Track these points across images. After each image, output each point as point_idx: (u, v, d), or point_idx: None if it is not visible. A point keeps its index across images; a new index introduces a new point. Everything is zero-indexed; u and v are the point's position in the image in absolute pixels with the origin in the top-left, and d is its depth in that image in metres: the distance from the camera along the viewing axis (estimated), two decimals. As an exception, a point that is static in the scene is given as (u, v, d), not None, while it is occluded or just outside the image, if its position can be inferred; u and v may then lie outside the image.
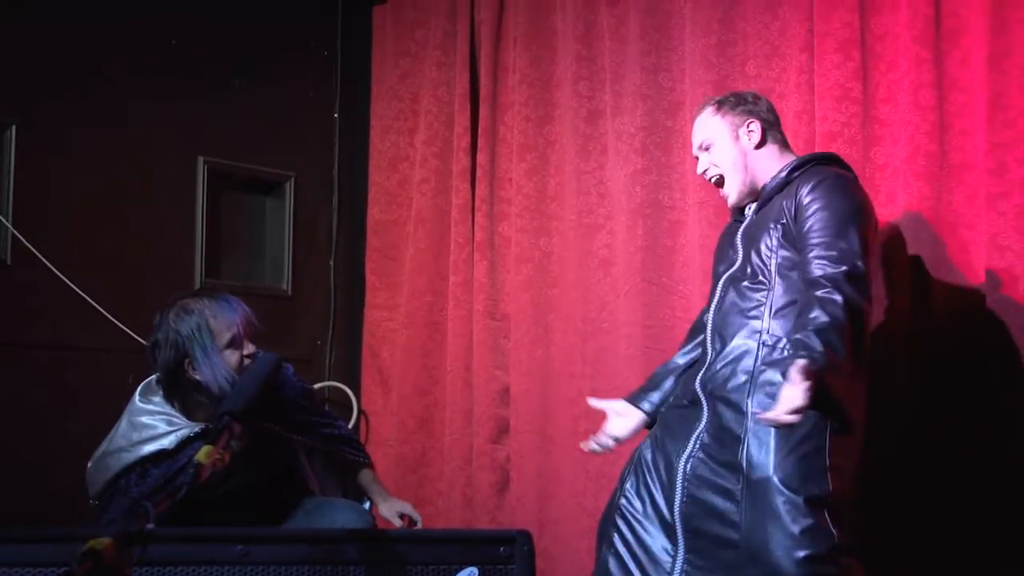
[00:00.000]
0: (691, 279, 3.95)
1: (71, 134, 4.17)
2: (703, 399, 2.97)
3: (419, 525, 3.34)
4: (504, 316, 4.44)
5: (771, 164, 3.08)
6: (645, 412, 3.23)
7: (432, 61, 4.71)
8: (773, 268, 2.94)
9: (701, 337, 3.13)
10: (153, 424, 3.08)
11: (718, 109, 3.14)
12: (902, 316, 3.40)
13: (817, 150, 3.46)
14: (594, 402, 3.33)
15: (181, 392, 3.08)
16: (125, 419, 3.10)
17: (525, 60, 4.44)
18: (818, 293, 2.74)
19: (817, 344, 2.64)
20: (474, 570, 2.08)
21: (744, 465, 2.82)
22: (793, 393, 2.59)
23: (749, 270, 3.00)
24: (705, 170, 3.16)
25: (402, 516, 3.35)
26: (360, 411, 4.76)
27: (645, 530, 3.00)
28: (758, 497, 2.78)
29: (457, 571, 2.07)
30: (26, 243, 3.98)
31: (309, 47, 4.94)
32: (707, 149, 3.14)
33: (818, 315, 2.70)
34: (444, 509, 4.48)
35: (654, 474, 3.02)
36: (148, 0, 4.39)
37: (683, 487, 2.93)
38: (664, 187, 4.07)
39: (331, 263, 4.94)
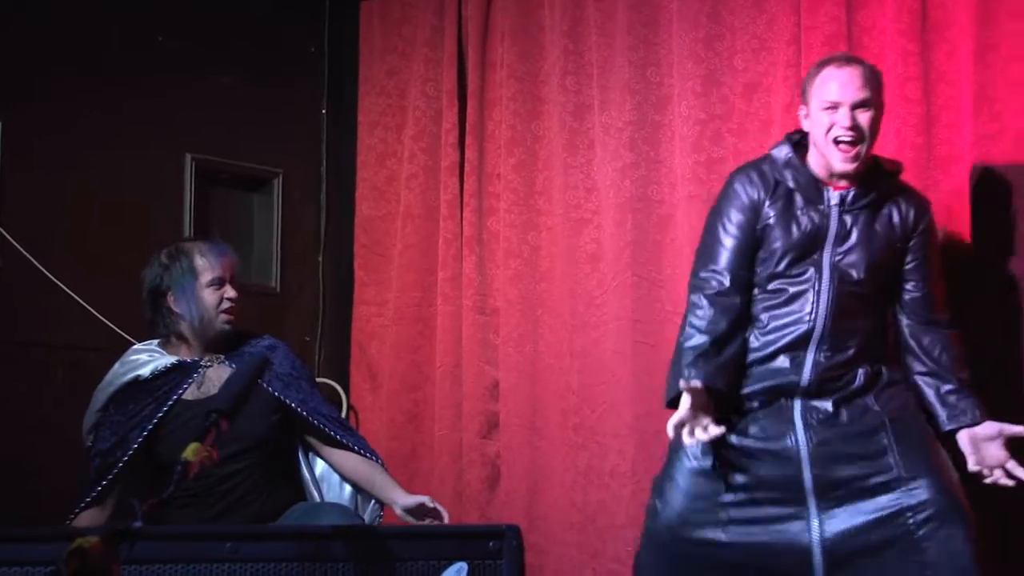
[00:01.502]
0: (680, 274, 3.94)
1: (58, 132, 4.15)
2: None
3: (446, 518, 3.33)
4: (493, 311, 4.44)
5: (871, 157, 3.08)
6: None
7: (419, 57, 4.70)
8: (878, 287, 3.06)
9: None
10: (135, 358, 3.33)
11: (876, 74, 3.09)
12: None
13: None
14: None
15: (163, 326, 3.32)
16: (118, 362, 3.35)
17: (512, 55, 4.43)
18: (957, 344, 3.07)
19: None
20: (463, 565, 2.09)
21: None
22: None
23: (862, 275, 3.02)
24: (854, 125, 3.00)
25: (423, 514, 3.32)
26: (349, 407, 4.75)
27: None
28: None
29: (446, 566, 2.08)
30: (13, 241, 3.97)
31: (296, 44, 4.92)
32: (866, 108, 3.02)
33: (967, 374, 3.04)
34: (434, 505, 4.48)
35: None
36: (134, -1, 4.39)
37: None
38: (652, 181, 4.07)
39: (319, 259, 4.93)
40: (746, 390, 3.07)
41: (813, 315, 3.01)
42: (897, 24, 3.52)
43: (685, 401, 2.91)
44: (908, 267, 3.09)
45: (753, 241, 3.10)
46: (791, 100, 3.69)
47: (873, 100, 3.04)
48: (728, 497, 3.01)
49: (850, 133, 3.00)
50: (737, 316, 3.07)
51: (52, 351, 4.05)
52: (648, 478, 3.93)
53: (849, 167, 3.02)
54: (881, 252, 3.04)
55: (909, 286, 3.09)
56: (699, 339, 3.03)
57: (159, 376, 3.28)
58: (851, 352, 3.02)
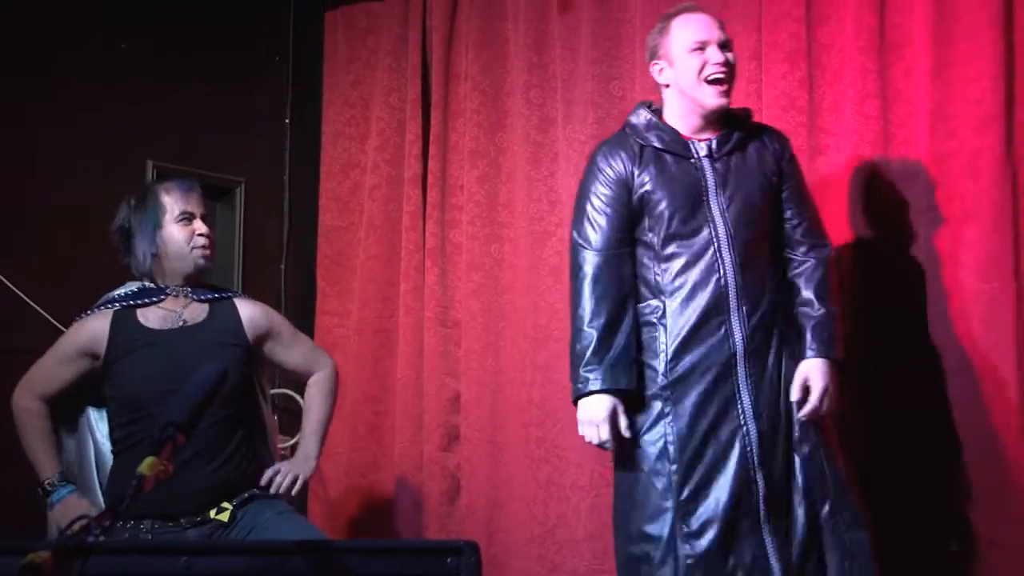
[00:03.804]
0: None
1: (19, 136, 4.12)
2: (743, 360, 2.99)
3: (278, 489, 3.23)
4: (455, 323, 4.44)
5: None
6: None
7: (384, 67, 4.70)
8: (768, 221, 3.07)
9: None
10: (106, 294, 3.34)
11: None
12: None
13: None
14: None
15: (135, 268, 3.28)
16: None
17: (477, 67, 4.44)
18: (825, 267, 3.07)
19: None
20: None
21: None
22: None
23: (752, 220, 3.04)
24: (723, 63, 3.04)
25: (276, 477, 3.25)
26: (310, 418, 4.73)
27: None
28: None
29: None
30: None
31: (260, 52, 4.91)
32: (728, 47, 3.08)
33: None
34: (394, 517, 4.47)
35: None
36: (98, 3, 4.35)
37: None
38: (614, 195, 4.08)
39: (282, 269, 4.91)
40: (677, 366, 3.00)
41: (721, 270, 3.00)
42: (856, 42, 3.56)
43: (602, 409, 2.98)
44: (784, 197, 3.12)
45: (629, 212, 3.08)
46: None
47: (730, 40, 3.11)
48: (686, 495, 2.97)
49: (723, 69, 3.04)
50: (617, 296, 3.06)
51: (9, 357, 4.01)
52: (608, 491, 3.95)
53: (723, 101, 3.04)
54: (761, 190, 3.07)
55: (788, 214, 3.12)
56: (586, 339, 3.04)
57: (125, 296, 3.28)
58: (766, 308, 3.03)
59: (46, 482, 3.15)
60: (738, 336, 2.97)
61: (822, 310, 3.02)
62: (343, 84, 4.85)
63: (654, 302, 3.05)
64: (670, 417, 2.99)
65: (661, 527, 2.97)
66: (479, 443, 4.31)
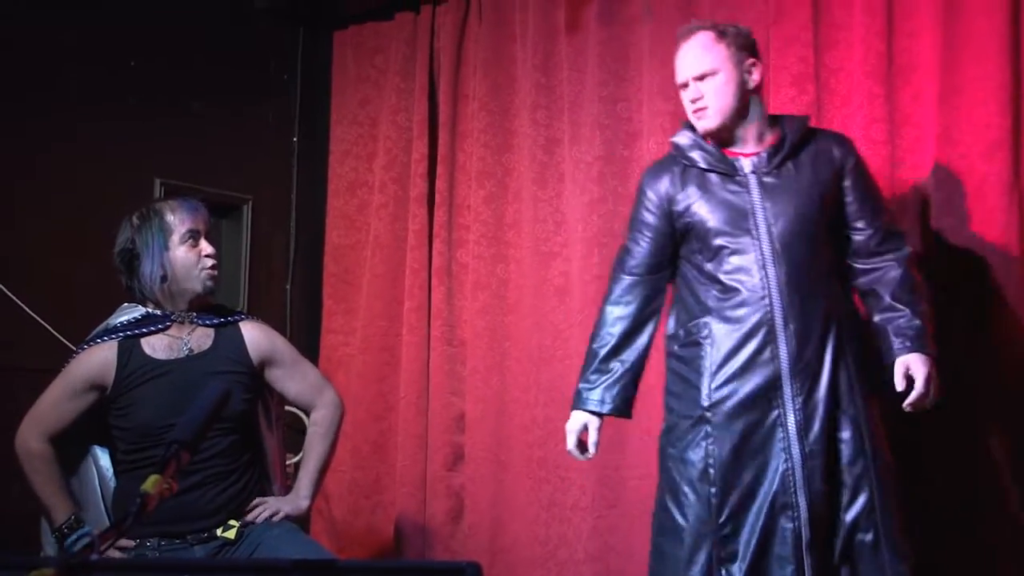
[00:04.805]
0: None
1: (27, 154, 4.13)
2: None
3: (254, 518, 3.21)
4: (461, 342, 4.45)
5: (762, 112, 3.06)
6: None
7: (392, 87, 4.72)
8: (824, 232, 2.99)
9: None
10: (109, 320, 3.23)
11: (720, 38, 3.02)
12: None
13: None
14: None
15: (139, 291, 3.18)
16: None
17: (484, 88, 4.46)
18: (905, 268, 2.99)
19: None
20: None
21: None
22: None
23: (804, 237, 2.95)
24: (696, 99, 3.01)
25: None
26: (314, 436, 4.72)
27: None
28: None
29: (406, 602, 2.06)
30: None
31: (269, 71, 4.93)
32: (703, 79, 3.00)
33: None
34: (398, 536, 4.46)
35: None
36: (108, 21, 4.37)
37: None
38: (620, 216, 4.07)
39: (288, 287, 4.92)
40: (721, 387, 2.97)
41: (767, 288, 2.94)
42: (864, 66, 3.57)
43: (575, 422, 3.12)
44: (850, 206, 3.02)
45: (666, 238, 3.08)
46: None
47: (712, 67, 3.00)
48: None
49: (694, 105, 3.03)
50: (632, 321, 3.10)
51: (13, 374, 4.01)
52: (609, 513, 3.94)
53: (708, 126, 3.02)
54: (815, 202, 2.97)
55: (859, 224, 3.02)
56: (589, 356, 3.14)
57: (129, 325, 3.17)
58: (817, 324, 2.93)
59: (62, 527, 3.07)
60: (784, 355, 2.91)
61: (906, 312, 2.93)
62: (351, 103, 4.86)
63: (701, 320, 3.01)
64: (712, 439, 2.95)
65: (698, 549, 2.94)
66: (483, 463, 4.31)
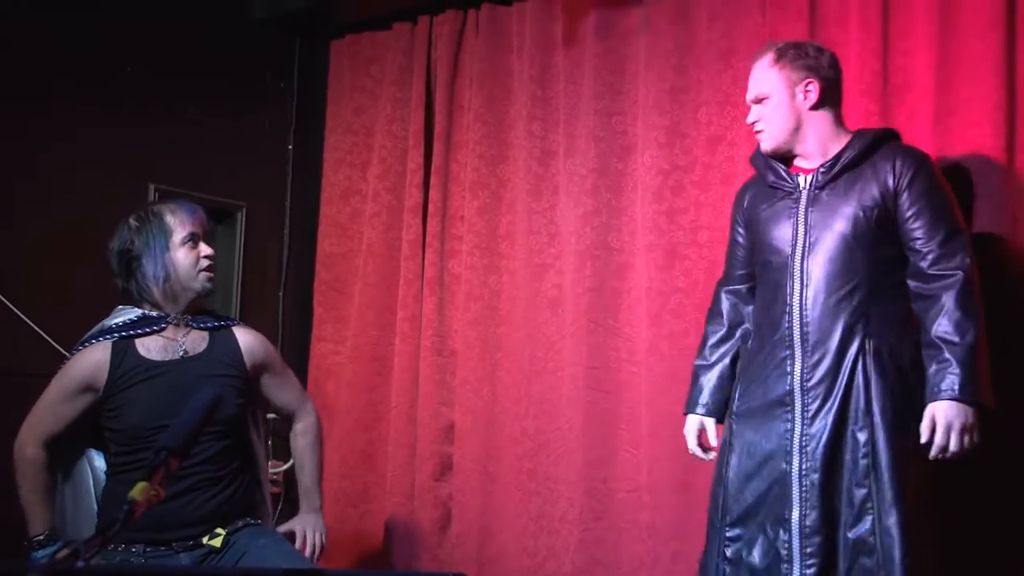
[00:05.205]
0: (637, 322, 3.98)
1: (22, 158, 4.13)
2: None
3: (312, 551, 3.32)
4: (451, 353, 4.44)
5: (824, 129, 3.07)
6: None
7: (388, 97, 4.72)
8: (862, 251, 2.95)
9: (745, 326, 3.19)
10: (104, 321, 3.24)
11: (777, 60, 3.08)
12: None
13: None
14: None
15: (136, 292, 3.18)
16: None
17: (480, 99, 4.46)
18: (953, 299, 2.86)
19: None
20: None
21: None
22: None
23: (835, 252, 2.96)
24: (755, 121, 3.11)
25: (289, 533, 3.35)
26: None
27: None
28: None
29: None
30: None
31: (266, 78, 4.94)
32: (760, 102, 3.09)
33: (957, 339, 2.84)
34: (385, 546, 4.45)
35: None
36: (104, 26, 4.37)
37: None
38: (613, 230, 4.10)
39: (280, 294, 4.92)
40: (744, 397, 3.08)
41: (789, 303, 2.99)
42: (859, 84, 3.57)
43: (689, 426, 3.23)
44: (905, 223, 2.95)
45: (746, 251, 3.22)
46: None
47: (764, 91, 3.09)
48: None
49: (754, 127, 3.13)
50: (720, 329, 3.23)
51: (7, 379, 4.00)
52: (596, 525, 3.94)
53: (765, 148, 3.10)
54: (854, 220, 2.95)
55: (916, 244, 2.94)
56: (693, 368, 3.25)
57: (124, 326, 3.18)
58: (837, 342, 2.93)
59: (35, 538, 3.09)
60: (798, 371, 2.95)
61: (943, 352, 2.82)
62: (346, 112, 4.87)
63: (750, 328, 3.18)
64: (732, 446, 3.06)
65: (710, 546, 3.08)
66: (471, 473, 4.30)
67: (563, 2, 4.29)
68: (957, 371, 2.79)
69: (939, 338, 2.83)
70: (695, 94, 3.95)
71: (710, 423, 3.19)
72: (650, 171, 4.00)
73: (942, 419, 2.80)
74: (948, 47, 3.42)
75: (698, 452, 3.23)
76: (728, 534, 3.02)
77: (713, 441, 3.19)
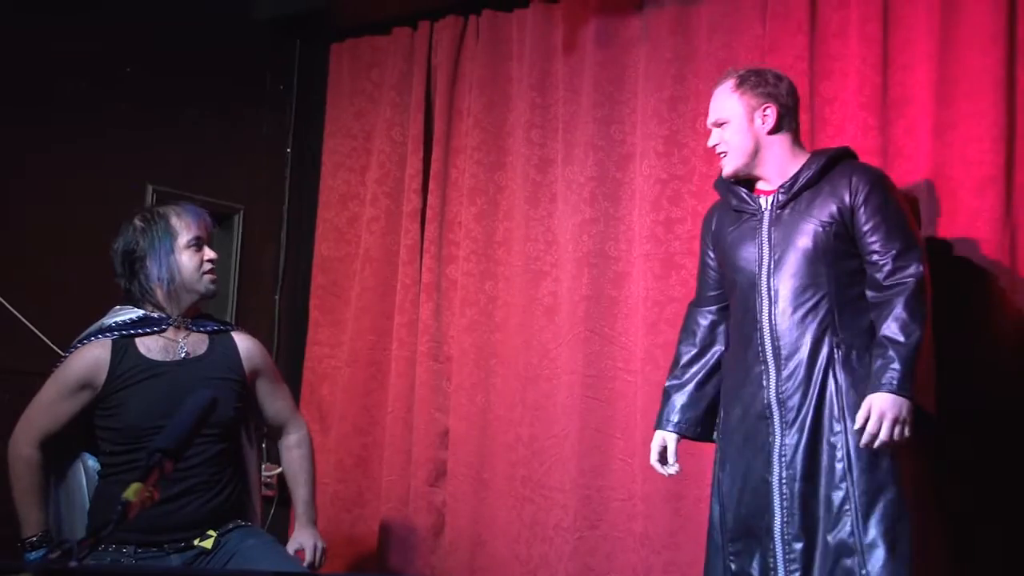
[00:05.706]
0: (633, 330, 3.98)
1: (20, 158, 4.13)
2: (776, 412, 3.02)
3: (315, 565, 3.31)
4: (447, 359, 4.44)
5: (782, 152, 3.14)
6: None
7: (387, 101, 4.72)
8: (824, 266, 3.03)
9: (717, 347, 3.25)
10: (103, 320, 3.23)
11: (738, 86, 3.17)
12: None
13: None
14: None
15: (139, 294, 3.18)
16: None
17: (479, 105, 4.46)
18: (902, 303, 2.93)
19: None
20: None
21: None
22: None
23: (798, 268, 3.04)
24: (715, 144, 3.19)
25: (300, 550, 3.32)
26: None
27: None
28: None
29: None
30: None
31: (265, 81, 4.93)
32: (720, 126, 3.18)
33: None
34: (379, 551, 4.44)
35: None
36: (104, 27, 4.37)
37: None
38: (610, 238, 4.10)
39: (276, 298, 4.91)
40: (727, 415, 3.16)
41: (760, 320, 3.07)
42: (859, 97, 3.58)
43: (653, 442, 3.25)
44: (862, 238, 3.02)
45: (715, 272, 3.28)
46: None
47: (724, 116, 3.16)
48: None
49: (715, 149, 3.21)
50: (690, 349, 3.28)
51: (3, 376, 3.99)
52: (590, 534, 3.94)
53: (726, 171, 3.18)
54: (815, 236, 3.03)
55: (873, 257, 3.00)
56: (667, 387, 3.30)
57: (125, 324, 3.17)
58: (806, 355, 3.01)
59: (28, 540, 3.08)
60: (772, 384, 3.03)
61: (887, 349, 2.90)
62: (346, 116, 4.86)
63: (726, 349, 3.24)
64: (722, 463, 3.15)
65: (713, 563, 3.14)
66: (465, 479, 4.30)
67: (563, 10, 4.30)
68: (898, 367, 2.88)
69: (886, 337, 2.93)
70: (694, 104, 3.95)
71: (672, 439, 3.24)
72: (648, 180, 4.00)
73: (877, 409, 2.88)
74: (948, 61, 3.43)
75: (657, 466, 3.27)
76: (731, 549, 3.08)
77: (672, 458, 3.24)
